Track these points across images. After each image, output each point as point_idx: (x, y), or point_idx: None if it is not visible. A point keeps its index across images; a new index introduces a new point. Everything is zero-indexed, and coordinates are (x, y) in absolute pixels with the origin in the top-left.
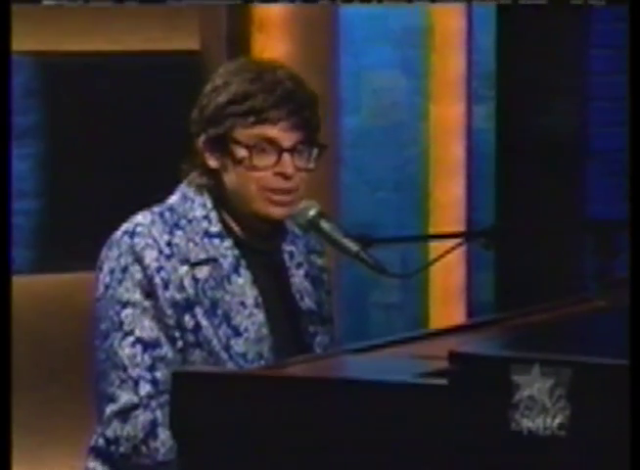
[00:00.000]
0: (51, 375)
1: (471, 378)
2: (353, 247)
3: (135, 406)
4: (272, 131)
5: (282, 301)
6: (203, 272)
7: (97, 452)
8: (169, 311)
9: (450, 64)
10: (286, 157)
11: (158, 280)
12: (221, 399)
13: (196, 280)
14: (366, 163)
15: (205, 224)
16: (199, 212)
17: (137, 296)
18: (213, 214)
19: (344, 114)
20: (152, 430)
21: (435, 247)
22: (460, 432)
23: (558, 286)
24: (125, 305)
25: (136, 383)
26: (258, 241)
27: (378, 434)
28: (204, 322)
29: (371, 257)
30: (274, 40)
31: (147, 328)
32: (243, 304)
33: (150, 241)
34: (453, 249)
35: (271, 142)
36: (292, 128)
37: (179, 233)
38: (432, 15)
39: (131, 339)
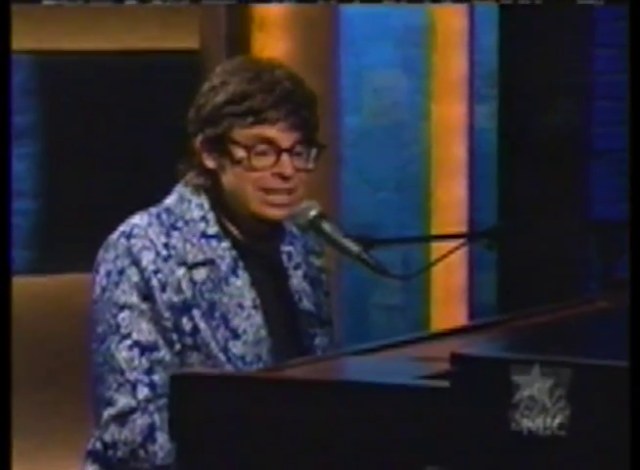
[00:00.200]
0: (49, 377)
1: (473, 380)
2: (354, 248)
3: (133, 410)
4: (271, 131)
5: (280, 302)
6: (200, 274)
7: (94, 457)
8: (167, 314)
9: (452, 63)
10: (284, 157)
11: (155, 282)
12: (220, 401)
13: (193, 282)
14: (367, 163)
15: (202, 226)
16: (196, 214)
17: (134, 298)
18: (211, 216)
19: (345, 113)
20: (150, 434)
21: (437, 247)
22: (461, 434)
23: (561, 287)
24: (122, 307)
25: (134, 386)
26: (256, 242)
27: (378, 436)
28: (201, 325)
29: (372, 258)
30: (274, 39)
31: (144, 331)
32: (241, 305)
33: (147, 243)
34: (455, 249)
35: (270, 142)
36: (290, 128)
37: (176, 235)
38: (433, 14)
39: (128, 342)
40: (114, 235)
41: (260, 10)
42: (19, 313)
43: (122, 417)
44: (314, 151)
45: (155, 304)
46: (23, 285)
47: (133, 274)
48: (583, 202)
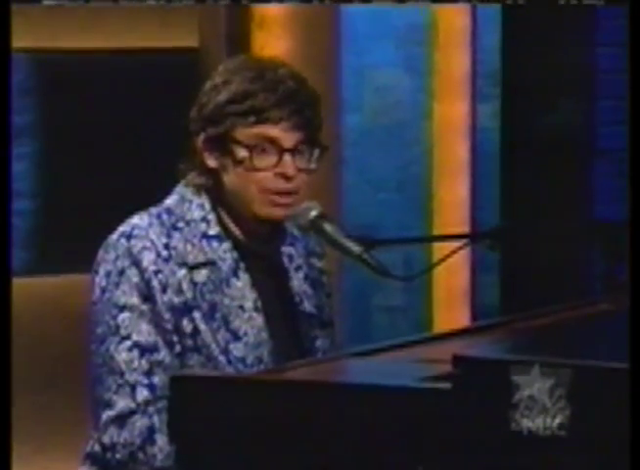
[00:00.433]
0: (47, 379)
1: (475, 382)
2: (355, 248)
3: (132, 412)
4: (273, 131)
5: (281, 304)
6: (201, 275)
7: (93, 459)
8: (167, 315)
9: (454, 62)
10: (287, 157)
11: (155, 283)
12: (220, 403)
13: (194, 283)
14: (368, 162)
15: (203, 226)
16: (197, 214)
17: (134, 299)
18: (212, 216)
19: (346, 112)
20: (149, 436)
21: (439, 248)
22: (462, 434)
23: (564, 288)
24: (122, 308)
25: (133, 388)
26: (257, 243)
27: (379, 438)
28: (202, 326)
29: (373, 258)
30: (274, 38)
31: (144, 332)
32: (242, 307)
33: (147, 243)
34: (457, 250)
35: (272, 142)
36: (293, 128)
37: (177, 235)
38: (435, 12)
39: (128, 343)
40: (114, 235)
41: (260, 8)
42: (16, 314)
43: (121, 419)
44: (317, 151)
45: (155, 305)
46: (21, 286)
47: (133, 275)
48: (586, 202)
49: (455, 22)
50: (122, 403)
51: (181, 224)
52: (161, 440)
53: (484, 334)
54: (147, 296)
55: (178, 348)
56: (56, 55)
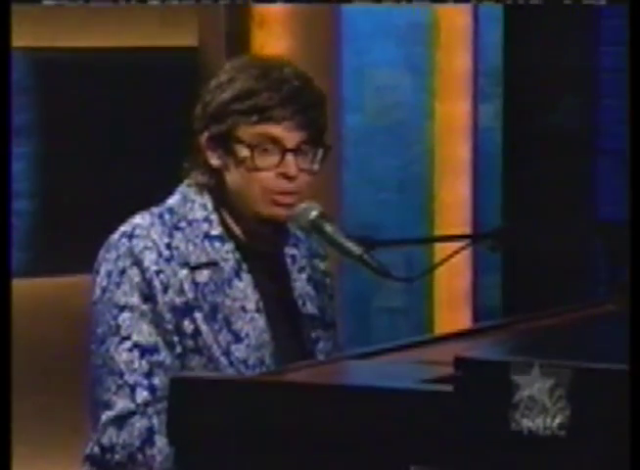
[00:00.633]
0: (45, 381)
1: (477, 384)
2: (356, 249)
3: (132, 413)
4: (276, 130)
5: (284, 306)
6: (203, 276)
7: (92, 460)
8: (168, 316)
9: (456, 61)
10: (289, 157)
11: (156, 283)
12: (220, 405)
13: (196, 284)
14: (369, 162)
15: (205, 227)
16: (199, 214)
17: (135, 299)
18: (214, 216)
19: (347, 112)
20: (148, 437)
21: (441, 249)
22: (464, 437)
23: (567, 289)
24: (123, 308)
25: (133, 389)
26: (260, 244)
27: (381, 441)
28: (203, 327)
29: (374, 259)
30: (274, 37)
31: (145, 333)
32: (244, 308)
33: (149, 243)
34: (459, 251)
35: (274, 141)
36: (296, 128)
37: (179, 235)
38: (437, 11)
39: (128, 344)
40: (116, 235)
41: (260, 7)
42: (13, 316)
43: (121, 420)
44: (320, 152)
45: (156, 305)
46: (19, 287)
47: (134, 275)
48: (589, 202)
49: (456, 20)
50: (122, 404)
51: (183, 224)
52: (161, 441)
53: (486, 336)
54: (148, 296)
55: (179, 348)
56: (54, 54)
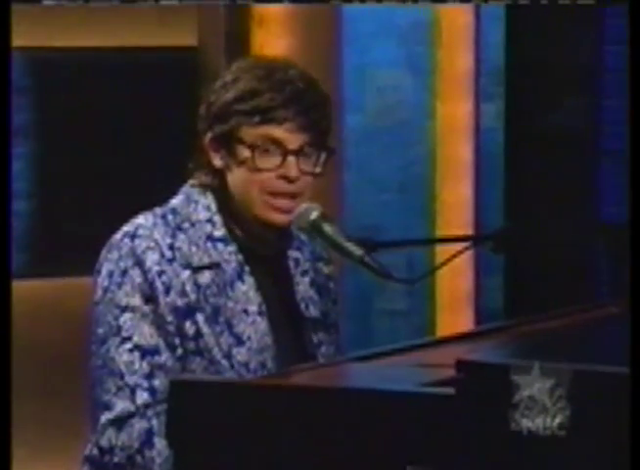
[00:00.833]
0: (44, 382)
1: (479, 387)
2: (357, 251)
3: (131, 415)
4: (277, 132)
5: (286, 309)
6: (205, 277)
7: (91, 462)
8: (170, 317)
9: (457, 60)
10: (290, 159)
11: (158, 284)
12: (219, 408)
13: (198, 285)
14: (370, 163)
15: (208, 228)
16: (202, 215)
17: (136, 300)
18: (217, 218)
19: (348, 112)
20: (148, 439)
21: (442, 250)
22: (465, 439)
23: (570, 291)
24: (124, 309)
25: (133, 391)
26: (263, 246)
27: (382, 444)
28: (205, 329)
29: (375, 261)
30: (274, 36)
31: (146, 334)
32: (246, 311)
33: (151, 244)
34: (461, 252)
35: (276, 143)
36: (298, 129)
37: (182, 236)
38: (438, 10)
39: (129, 345)
40: (118, 235)
41: (260, 6)
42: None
43: (120, 422)
44: (323, 154)
45: (158, 306)
46: (15, 289)
47: (136, 275)
48: (592, 203)
49: (458, 20)
50: (121, 406)
51: (186, 225)
52: (160, 443)
53: (489, 338)
54: (149, 297)
55: (180, 351)
56: (52, 53)
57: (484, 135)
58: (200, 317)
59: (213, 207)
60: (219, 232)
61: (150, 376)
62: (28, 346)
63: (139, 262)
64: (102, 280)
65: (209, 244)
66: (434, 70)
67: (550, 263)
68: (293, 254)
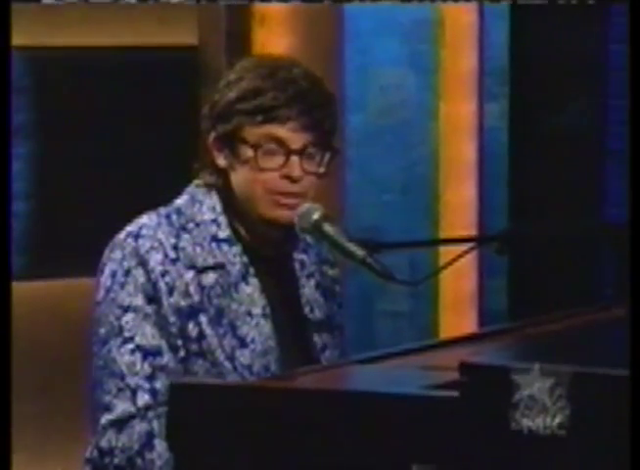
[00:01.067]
0: (43, 385)
1: (482, 390)
2: (359, 252)
3: (132, 416)
4: (280, 131)
5: (291, 311)
6: (209, 279)
7: (92, 464)
8: (172, 318)
9: (461, 59)
10: (294, 159)
11: (162, 285)
12: (220, 411)
13: (202, 287)
14: (372, 163)
15: (213, 228)
16: (207, 216)
17: (139, 301)
18: (222, 219)
19: (350, 112)
20: (148, 441)
21: (446, 252)
22: (468, 441)
23: (574, 293)
24: (126, 309)
25: (134, 392)
26: (268, 247)
27: (385, 446)
28: (208, 331)
29: (378, 262)
30: (275, 35)
31: (148, 335)
32: (250, 313)
33: (155, 244)
34: (464, 254)
35: (279, 142)
36: (301, 129)
37: (186, 237)
38: (442, 8)
39: (131, 346)
40: (122, 235)
41: (261, 5)
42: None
43: (120, 423)
44: (328, 154)
45: (161, 307)
46: (14, 291)
47: (139, 275)
48: (597, 204)
49: (462, 18)
50: (122, 407)
51: (191, 225)
52: (161, 446)
53: (492, 340)
54: (152, 297)
55: (182, 352)
56: (51, 52)
57: (488, 135)
58: (203, 319)
59: (218, 207)
60: (224, 233)
61: (151, 377)
62: (27, 348)
63: (142, 262)
64: (104, 280)
65: (214, 245)
66: (437, 70)
67: (554, 265)
68: (298, 256)
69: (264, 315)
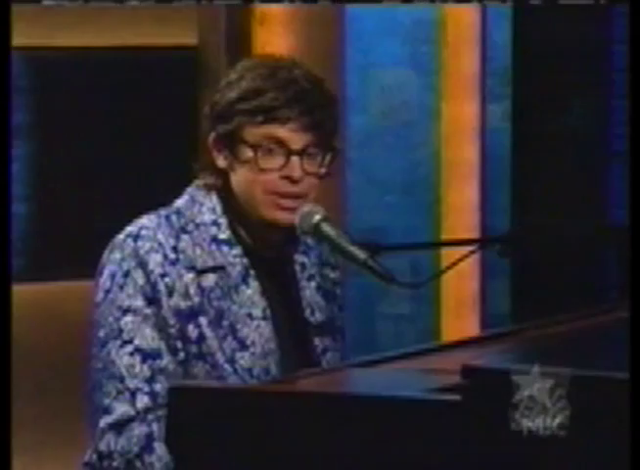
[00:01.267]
0: (41, 387)
1: (484, 393)
2: (360, 254)
3: (131, 419)
4: (280, 131)
5: (291, 314)
6: (209, 280)
7: (91, 468)
8: (172, 320)
9: (463, 60)
10: (294, 159)
11: (161, 286)
12: (220, 414)
13: (201, 288)
14: (374, 164)
15: (213, 230)
16: (207, 217)
17: (139, 302)
18: (223, 220)
19: (351, 113)
20: (147, 444)
21: (448, 254)
22: (470, 444)
23: (578, 295)
24: (126, 311)
25: (133, 395)
26: (269, 249)
27: (386, 450)
28: (208, 333)
29: (379, 265)
30: (276, 35)
31: (147, 337)
32: (250, 315)
33: (155, 245)
34: (466, 256)
35: (279, 143)
36: (302, 129)
37: (186, 238)
38: (443, 8)
39: (130, 348)
40: (121, 235)
41: (261, 5)
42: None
43: (119, 426)
44: (329, 155)
45: (160, 309)
46: (13, 293)
47: (139, 277)
48: (601, 205)
49: (464, 18)
50: (121, 410)
51: (191, 227)
52: (160, 448)
53: (494, 343)
54: (152, 299)
55: (182, 354)
56: (50, 53)
57: (491, 136)
58: (203, 321)
59: (219, 209)
60: (224, 235)
61: (151, 380)
62: (26, 351)
63: (142, 264)
64: (104, 281)
65: (214, 246)
66: (439, 70)
67: (557, 267)
68: (299, 258)
69: (265, 318)
